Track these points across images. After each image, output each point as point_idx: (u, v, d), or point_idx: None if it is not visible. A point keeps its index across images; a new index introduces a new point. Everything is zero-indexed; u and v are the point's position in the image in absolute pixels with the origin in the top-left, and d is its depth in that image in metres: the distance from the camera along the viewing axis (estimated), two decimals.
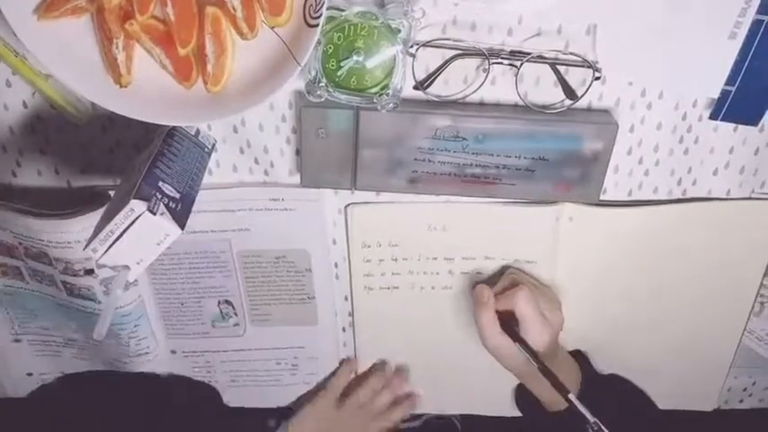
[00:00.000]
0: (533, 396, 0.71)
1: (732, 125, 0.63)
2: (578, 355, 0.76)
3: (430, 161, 0.62)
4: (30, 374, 0.81)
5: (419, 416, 0.84)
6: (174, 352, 0.80)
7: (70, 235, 0.64)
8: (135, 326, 0.74)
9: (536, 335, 0.65)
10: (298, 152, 0.65)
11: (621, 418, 0.61)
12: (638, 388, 0.79)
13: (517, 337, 0.65)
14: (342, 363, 0.81)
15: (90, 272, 0.67)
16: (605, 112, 0.62)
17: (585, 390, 0.70)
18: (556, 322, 0.67)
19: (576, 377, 0.71)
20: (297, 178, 0.66)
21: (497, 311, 0.66)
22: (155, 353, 0.77)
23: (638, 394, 0.79)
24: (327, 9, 0.52)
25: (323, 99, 0.58)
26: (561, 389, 0.63)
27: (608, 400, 0.67)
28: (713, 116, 0.61)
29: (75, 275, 0.68)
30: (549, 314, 0.66)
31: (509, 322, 0.66)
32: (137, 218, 0.49)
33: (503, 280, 0.69)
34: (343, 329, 0.78)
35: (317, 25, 0.51)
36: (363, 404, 0.80)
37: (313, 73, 0.57)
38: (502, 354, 0.67)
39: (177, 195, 0.54)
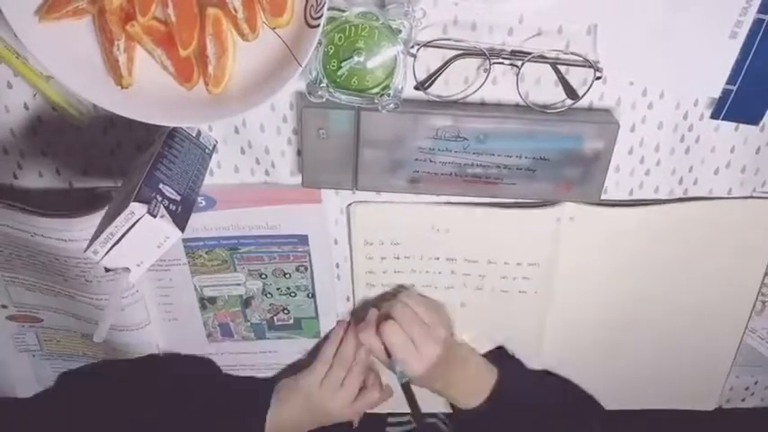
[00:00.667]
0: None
1: (733, 124, 0.63)
2: (502, 356, 0.78)
3: (431, 161, 0.62)
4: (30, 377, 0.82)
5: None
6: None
7: (73, 233, 0.64)
8: (136, 327, 0.74)
9: (404, 363, 0.69)
10: (299, 153, 0.65)
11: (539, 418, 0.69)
12: (569, 383, 0.80)
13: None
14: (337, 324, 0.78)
15: (90, 271, 0.68)
16: (606, 111, 0.62)
17: (495, 396, 0.72)
18: (427, 354, 0.69)
19: (486, 383, 0.73)
20: (298, 179, 0.66)
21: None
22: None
23: (567, 391, 0.80)
24: (328, 10, 0.52)
25: (324, 100, 0.58)
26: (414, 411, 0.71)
27: (524, 401, 0.73)
28: (714, 115, 0.61)
29: (75, 274, 0.68)
30: (422, 347, 0.68)
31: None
32: (137, 221, 0.49)
33: (388, 306, 0.71)
34: None
35: (318, 26, 0.51)
36: (341, 381, 0.75)
37: (314, 74, 0.57)
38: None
39: (178, 197, 0.54)
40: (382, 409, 0.80)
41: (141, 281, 0.70)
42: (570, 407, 0.78)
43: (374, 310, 0.73)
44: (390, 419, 0.84)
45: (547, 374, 0.79)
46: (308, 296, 0.75)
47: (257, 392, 0.76)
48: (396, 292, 0.73)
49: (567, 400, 0.79)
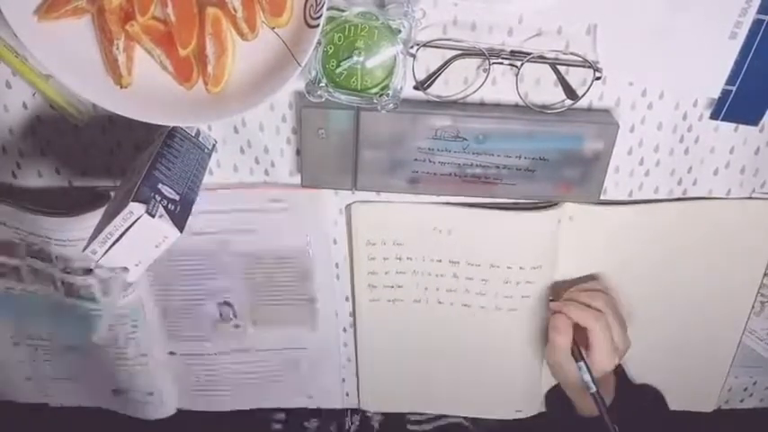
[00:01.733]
0: (567, 398, 0.73)
1: (732, 125, 0.63)
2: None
3: (430, 161, 0.62)
4: (29, 379, 0.81)
5: (432, 419, 0.84)
6: (172, 353, 0.79)
7: (73, 233, 0.64)
8: (133, 326, 0.74)
9: (601, 363, 0.66)
10: (298, 152, 0.65)
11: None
12: (663, 400, 0.80)
13: (582, 357, 0.66)
14: None
15: (89, 271, 0.67)
16: (606, 112, 0.62)
17: (616, 402, 0.70)
18: (623, 350, 0.67)
19: (610, 389, 0.71)
20: (297, 178, 0.66)
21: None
22: (152, 356, 0.77)
23: (663, 407, 0.79)
24: (328, 9, 0.52)
25: (323, 99, 0.58)
26: (610, 418, 0.65)
27: (636, 415, 0.71)
28: (714, 116, 0.61)
29: (74, 274, 0.68)
30: (619, 342, 0.66)
31: (575, 339, 0.67)
32: (135, 220, 0.49)
33: (584, 294, 0.68)
34: (344, 330, 0.78)
35: (318, 26, 0.51)
36: None
37: (313, 73, 0.57)
38: (559, 370, 0.69)
39: (176, 197, 0.54)
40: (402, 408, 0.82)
41: (140, 280, 0.70)
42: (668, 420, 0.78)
43: (560, 315, 0.68)
44: (410, 417, 0.84)
45: (646, 386, 0.79)
46: (307, 296, 0.75)
47: None
48: (573, 282, 0.71)
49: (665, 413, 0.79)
